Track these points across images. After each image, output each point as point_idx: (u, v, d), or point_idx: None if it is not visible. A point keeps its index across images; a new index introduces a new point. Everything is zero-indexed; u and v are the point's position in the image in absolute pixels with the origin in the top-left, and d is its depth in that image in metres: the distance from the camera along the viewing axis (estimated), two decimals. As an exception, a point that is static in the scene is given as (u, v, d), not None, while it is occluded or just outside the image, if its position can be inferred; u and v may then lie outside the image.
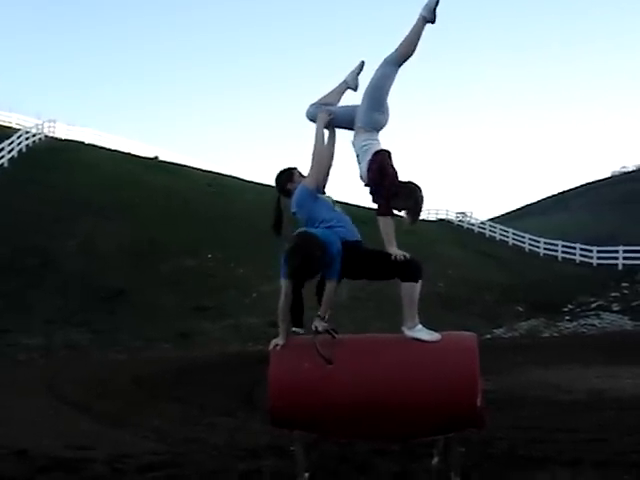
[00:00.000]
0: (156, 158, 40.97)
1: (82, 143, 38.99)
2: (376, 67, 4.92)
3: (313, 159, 4.89)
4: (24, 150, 33.06)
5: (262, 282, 23.42)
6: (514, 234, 38.50)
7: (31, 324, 18.32)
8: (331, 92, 5.21)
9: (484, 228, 41.18)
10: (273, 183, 5.10)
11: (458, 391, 4.40)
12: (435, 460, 5.10)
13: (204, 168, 41.90)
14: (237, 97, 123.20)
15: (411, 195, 4.73)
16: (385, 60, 4.82)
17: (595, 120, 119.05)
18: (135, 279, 22.42)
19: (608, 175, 60.16)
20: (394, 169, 4.80)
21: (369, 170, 4.75)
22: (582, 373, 11.50)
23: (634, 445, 5.89)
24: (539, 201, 58.64)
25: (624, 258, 31.67)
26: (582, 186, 57.71)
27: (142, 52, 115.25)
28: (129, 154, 39.62)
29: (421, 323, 4.67)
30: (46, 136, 36.84)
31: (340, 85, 5.19)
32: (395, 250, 4.66)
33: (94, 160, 34.19)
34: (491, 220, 45.70)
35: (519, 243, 37.82)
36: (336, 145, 5.03)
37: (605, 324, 23.23)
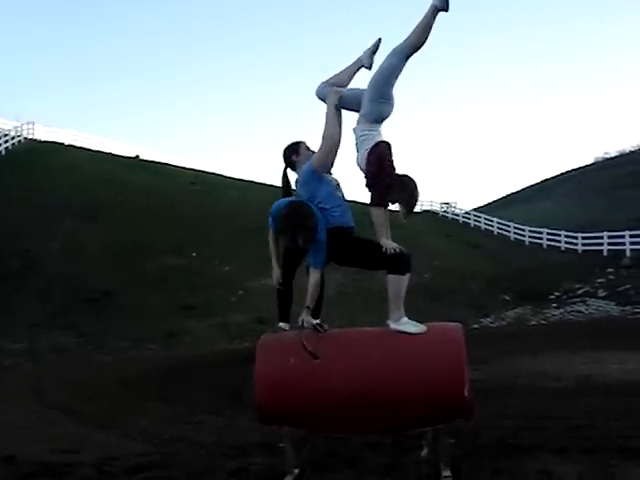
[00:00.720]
0: (137, 157, 40.77)
1: (62, 144, 38.75)
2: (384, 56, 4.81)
3: (323, 139, 4.83)
4: (4, 153, 32.84)
5: (247, 279, 23.39)
6: (499, 223, 38.64)
7: (15, 328, 18.18)
8: (344, 70, 5.07)
9: (469, 218, 41.32)
10: (281, 156, 5.10)
11: (445, 382, 4.39)
12: (424, 452, 5.10)
13: (185, 166, 41.77)
14: (218, 94, 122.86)
15: (406, 188, 4.71)
16: (394, 50, 4.67)
17: (577, 107, 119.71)
18: (120, 279, 22.29)
19: (591, 162, 60.57)
20: (391, 162, 4.76)
21: (368, 162, 4.71)
22: (569, 360, 11.54)
23: (621, 430, 5.91)
24: (523, 189, 58.90)
25: (609, 244, 31.84)
26: (565, 173, 58.03)
27: (120, 52, 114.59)
28: (109, 154, 39.41)
29: (408, 314, 4.65)
30: (25, 138, 36.57)
31: (354, 63, 5.04)
32: (386, 241, 4.64)
33: (74, 161, 33.98)
34: (475, 210, 45.89)
35: (504, 232, 37.97)
36: (342, 127, 4.96)
37: (592, 310, 23.35)
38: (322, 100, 5.00)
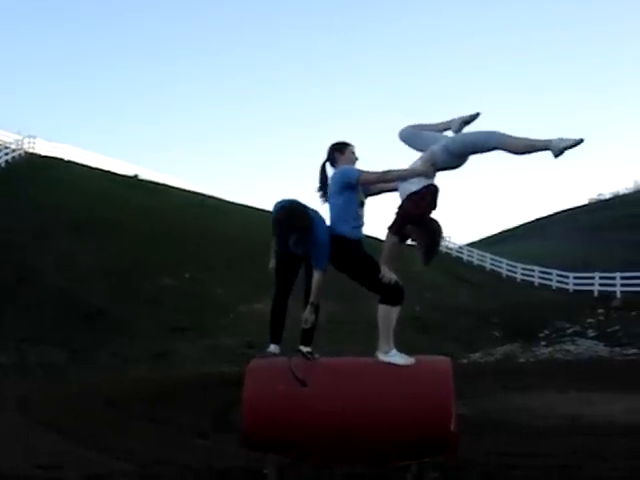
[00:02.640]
0: (136, 177, 40.86)
1: (62, 160, 38.80)
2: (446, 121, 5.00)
3: (390, 172, 4.88)
4: (3, 166, 32.87)
5: (239, 303, 23.37)
6: (491, 259, 38.75)
7: (5, 341, 18.09)
8: (431, 124, 5.13)
9: (462, 252, 41.39)
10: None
11: (432, 415, 4.42)
12: (409, 484, 5.10)
13: (184, 187, 41.87)
14: (222, 118, 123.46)
15: (431, 234, 4.78)
16: (493, 132, 4.73)
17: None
18: (113, 298, 22.24)
19: (585, 202, 60.91)
20: (430, 205, 4.82)
21: (409, 198, 4.77)
22: (557, 398, 11.55)
23: (608, 471, 5.95)
24: (517, 227, 59.15)
25: (600, 284, 31.95)
26: (559, 213, 58.35)
27: (127, 72, 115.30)
28: (109, 172, 39.48)
29: (397, 346, 4.70)
30: (26, 152, 36.62)
31: (443, 123, 5.08)
32: (385, 269, 4.70)
33: (74, 177, 34.03)
34: (469, 245, 45.97)
35: (496, 268, 38.06)
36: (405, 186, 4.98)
37: (581, 350, 23.34)
38: (404, 142, 5.09)
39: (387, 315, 4.69)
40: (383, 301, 4.71)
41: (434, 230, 4.80)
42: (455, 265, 38.41)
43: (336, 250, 4.82)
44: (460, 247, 42.72)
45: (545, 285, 34.76)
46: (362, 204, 5.01)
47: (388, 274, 4.69)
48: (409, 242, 4.92)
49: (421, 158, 4.89)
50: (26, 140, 37.65)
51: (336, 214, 4.89)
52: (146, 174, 42.86)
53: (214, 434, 8.58)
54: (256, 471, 5.63)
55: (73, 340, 18.95)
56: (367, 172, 4.92)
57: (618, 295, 30.58)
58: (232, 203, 39.90)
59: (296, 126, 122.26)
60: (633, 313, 27.30)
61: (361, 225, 4.99)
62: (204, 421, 9.62)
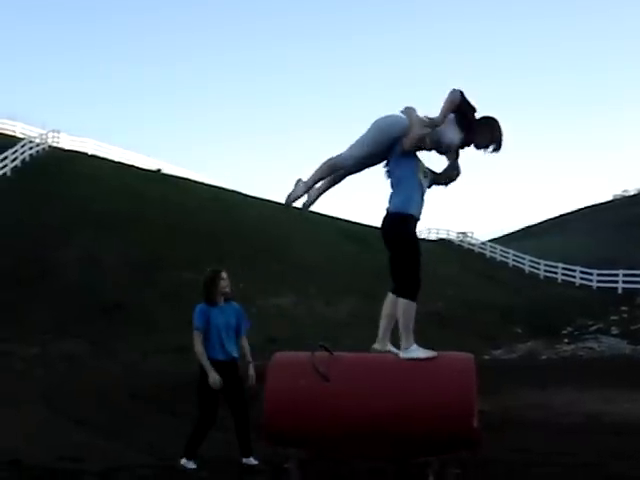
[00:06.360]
0: (159, 171, 41.03)
1: (85, 154, 39.05)
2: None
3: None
4: (27, 160, 33.09)
5: (260, 298, 23.39)
6: (514, 255, 38.51)
7: (28, 334, 18.26)
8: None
9: (484, 249, 41.19)
10: None
11: (455, 412, 4.38)
12: (430, 481, 5.07)
13: (207, 182, 41.98)
14: (244, 113, 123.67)
15: (493, 129, 4.74)
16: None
17: (597, 143, 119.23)
18: (134, 291, 22.38)
19: (610, 198, 60.24)
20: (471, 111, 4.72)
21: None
22: (580, 396, 11.46)
23: (630, 470, 5.88)
24: (540, 223, 58.66)
25: (624, 282, 31.66)
26: (583, 209, 57.79)
27: (148, 66, 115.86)
28: (132, 166, 39.67)
29: (419, 342, 4.65)
30: (50, 146, 36.89)
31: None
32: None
33: (97, 171, 34.21)
34: (492, 241, 45.73)
35: (519, 264, 37.82)
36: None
37: (604, 348, 23.14)
38: None
39: (408, 309, 4.64)
40: (401, 294, 4.64)
41: (493, 126, 4.72)
42: (478, 261, 38.24)
43: (392, 225, 4.68)
44: (483, 243, 42.52)
45: (568, 282, 34.50)
46: (423, 171, 4.83)
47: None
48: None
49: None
50: (50, 134, 37.92)
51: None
52: (169, 168, 43.05)
53: (234, 428, 8.57)
54: (276, 465, 5.62)
55: (94, 333, 19.10)
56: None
57: (642, 293, 30.26)
58: (253, 197, 39.93)
59: (316, 119, 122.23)
60: (658, 311, 27.03)
61: (420, 195, 4.79)
62: (224, 414, 9.63)
